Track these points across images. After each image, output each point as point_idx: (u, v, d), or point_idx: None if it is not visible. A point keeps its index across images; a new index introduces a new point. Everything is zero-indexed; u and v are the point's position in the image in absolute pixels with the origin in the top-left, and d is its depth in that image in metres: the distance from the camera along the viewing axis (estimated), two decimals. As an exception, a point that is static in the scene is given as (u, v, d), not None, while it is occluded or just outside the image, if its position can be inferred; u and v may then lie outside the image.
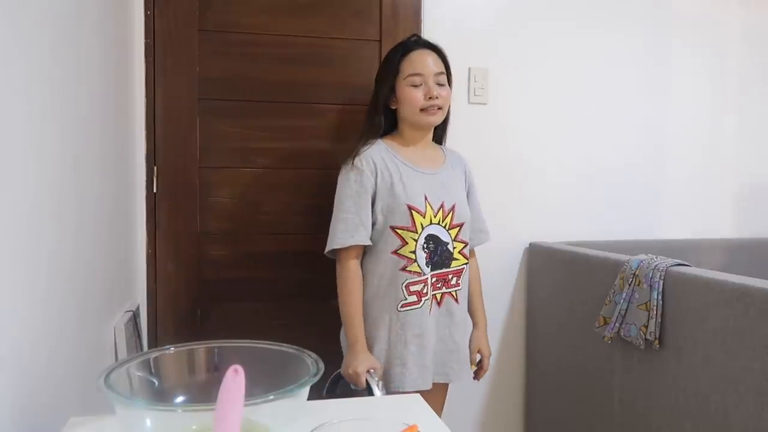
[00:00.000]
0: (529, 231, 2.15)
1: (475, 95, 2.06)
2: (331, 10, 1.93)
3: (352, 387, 1.43)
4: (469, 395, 2.14)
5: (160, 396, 0.73)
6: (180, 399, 0.73)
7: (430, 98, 1.52)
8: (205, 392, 0.67)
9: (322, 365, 0.69)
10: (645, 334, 1.46)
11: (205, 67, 1.86)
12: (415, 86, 1.53)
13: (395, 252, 1.51)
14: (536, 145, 2.15)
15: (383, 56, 1.99)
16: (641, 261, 1.53)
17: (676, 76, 2.28)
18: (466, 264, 1.60)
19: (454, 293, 1.58)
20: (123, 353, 1.39)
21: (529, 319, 2.15)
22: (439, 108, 1.55)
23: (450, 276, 1.57)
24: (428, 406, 0.88)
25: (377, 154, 1.55)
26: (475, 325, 1.71)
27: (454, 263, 1.57)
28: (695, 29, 2.28)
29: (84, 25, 1.17)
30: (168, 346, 0.75)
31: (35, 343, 0.84)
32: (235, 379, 0.53)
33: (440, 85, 1.55)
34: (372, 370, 1.44)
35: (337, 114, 1.94)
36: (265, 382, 0.63)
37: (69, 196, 1.04)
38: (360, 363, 1.43)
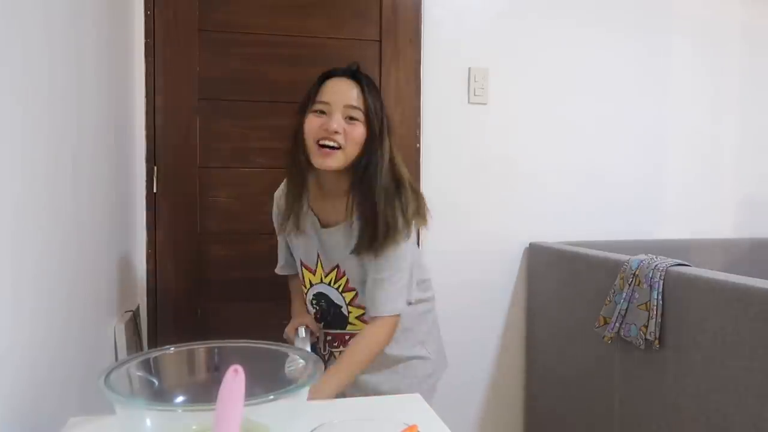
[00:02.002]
0: (529, 231, 2.15)
1: (475, 95, 2.06)
2: (331, 10, 1.93)
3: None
4: (469, 395, 2.14)
5: (160, 396, 0.73)
6: (180, 399, 0.73)
7: (326, 130, 1.23)
8: (205, 392, 0.67)
9: (322, 365, 0.69)
10: (645, 334, 1.46)
11: (205, 67, 1.86)
12: (319, 114, 1.25)
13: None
14: (536, 145, 2.15)
15: (383, 56, 2.00)
16: (641, 261, 1.53)
17: (677, 76, 2.28)
18: None
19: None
20: (123, 353, 1.40)
21: (529, 319, 2.15)
22: (339, 147, 1.23)
23: (347, 338, 1.40)
24: (428, 406, 0.88)
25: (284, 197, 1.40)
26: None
27: (349, 327, 1.39)
28: (695, 29, 2.28)
29: (84, 25, 1.17)
30: (168, 346, 0.75)
31: (35, 343, 0.84)
32: (235, 379, 0.53)
33: (351, 119, 1.24)
34: (298, 329, 1.39)
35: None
36: (265, 382, 0.64)
37: (69, 196, 1.04)
38: (289, 325, 1.45)
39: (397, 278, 1.30)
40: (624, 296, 1.53)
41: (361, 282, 1.34)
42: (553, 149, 2.16)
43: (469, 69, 2.06)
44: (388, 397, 1.14)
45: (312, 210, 1.35)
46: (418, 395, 0.93)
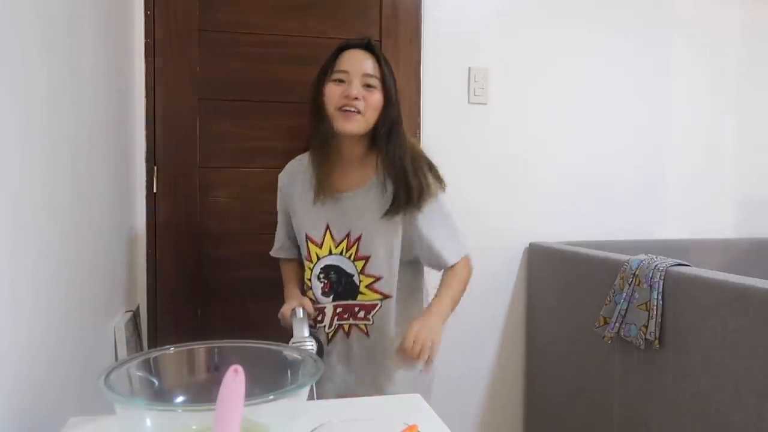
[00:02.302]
0: (529, 231, 2.15)
1: (475, 95, 2.06)
2: (331, 10, 1.93)
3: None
4: (469, 395, 2.14)
5: (160, 396, 0.73)
6: (180, 399, 0.73)
7: (346, 97, 1.32)
8: (205, 392, 0.67)
9: (322, 365, 0.69)
10: (645, 334, 1.46)
11: (205, 67, 1.86)
12: (338, 83, 1.35)
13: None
14: (536, 145, 2.15)
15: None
16: (641, 261, 1.53)
17: (676, 76, 2.28)
18: (378, 300, 1.40)
19: (363, 327, 1.43)
20: (123, 353, 1.40)
21: (529, 319, 2.15)
22: (359, 112, 1.33)
23: (357, 309, 1.43)
24: (428, 405, 0.88)
25: (294, 172, 1.49)
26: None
27: (360, 297, 1.41)
28: (695, 29, 2.28)
29: (84, 25, 1.17)
30: (168, 346, 0.75)
31: (35, 343, 0.84)
32: (235, 379, 0.53)
33: (368, 87, 1.34)
34: (295, 309, 1.38)
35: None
36: (265, 382, 0.64)
37: (69, 196, 1.04)
38: (285, 306, 1.42)
39: (450, 224, 1.44)
40: (624, 296, 1.53)
41: (381, 246, 1.38)
42: (553, 149, 2.16)
43: (469, 69, 2.06)
44: (388, 397, 1.14)
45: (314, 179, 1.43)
46: (418, 395, 0.93)
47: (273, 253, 1.57)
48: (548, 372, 2.02)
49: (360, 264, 1.40)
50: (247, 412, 0.55)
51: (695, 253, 2.13)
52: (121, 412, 0.61)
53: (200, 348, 0.76)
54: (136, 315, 1.66)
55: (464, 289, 1.43)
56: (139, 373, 0.71)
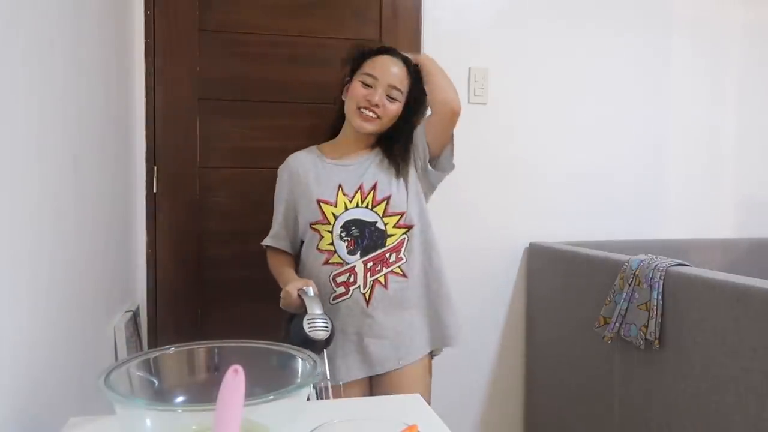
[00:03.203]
0: (529, 231, 2.15)
1: (475, 95, 2.06)
2: (330, 10, 1.93)
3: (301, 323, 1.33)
4: (469, 395, 2.14)
5: (160, 396, 0.73)
6: (180, 399, 0.73)
7: (368, 101, 1.47)
8: (205, 392, 0.67)
9: (321, 365, 0.69)
10: (645, 334, 1.46)
11: (205, 67, 1.86)
12: (365, 85, 1.49)
13: (317, 248, 1.49)
14: (536, 145, 2.15)
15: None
16: (641, 261, 1.53)
17: (676, 75, 2.28)
18: (404, 235, 1.50)
19: (399, 269, 1.49)
20: (123, 353, 1.39)
21: (529, 319, 2.15)
22: (378, 117, 1.49)
23: (388, 254, 1.48)
24: (428, 405, 0.88)
25: (302, 158, 1.58)
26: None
27: (389, 240, 1.48)
28: (695, 29, 2.28)
29: (84, 25, 1.17)
30: (168, 346, 0.75)
31: (35, 343, 0.84)
32: (235, 379, 0.53)
33: (390, 98, 1.49)
34: (304, 288, 1.39)
35: (337, 114, 1.93)
36: (265, 382, 0.64)
37: (69, 196, 1.04)
38: (290, 286, 1.40)
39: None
40: (624, 296, 1.53)
41: (396, 184, 1.50)
42: (553, 149, 2.16)
43: (469, 69, 2.06)
44: (388, 397, 1.14)
45: (327, 157, 1.56)
46: (418, 395, 0.93)
47: (265, 241, 1.59)
48: (548, 372, 2.02)
49: (381, 208, 1.48)
50: (247, 412, 0.55)
51: (695, 253, 2.13)
52: (121, 412, 0.61)
53: (200, 348, 0.76)
54: (136, 315, 1.66)
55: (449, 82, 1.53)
56: (139, 373, 0.71)
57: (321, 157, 1.57)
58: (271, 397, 0.60)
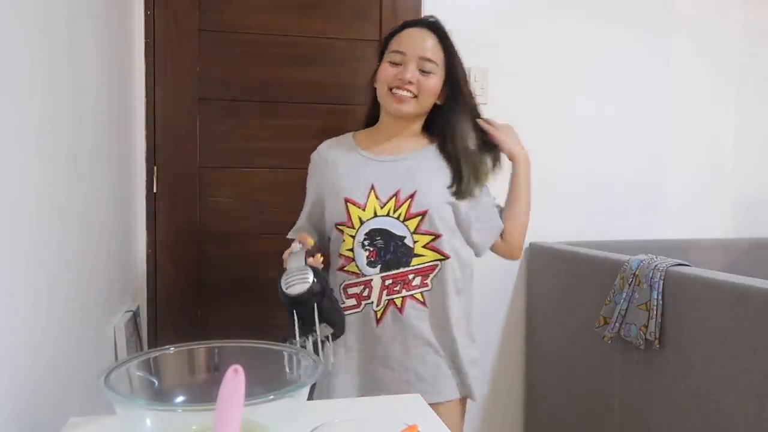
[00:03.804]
0: (529, 231, 2.14)
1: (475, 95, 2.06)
2: (330, 10, 1.93)
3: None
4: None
5: (160, 396, 0.73)
6: (180, 399, 0.73)
7: (400, 80, 1.29)
8: (205, 392, 0.67)
9: (321, 365, 0.69)
10: (645, 334, 1.46)
11: (205, 67, 1.86)
12: (394, 64, 1.31)
13: (339, 252, 1.34)
14: (536, 145, 2.14)
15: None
16: (641, 261, 1.53)
17: (676, 75, 2.28)
18: (438, 261, 1.31)
19: (421, 296, 1.31)
20: (123, 353, 1.39)
21: (529, 319, 2.15)
22: (414, 96, 1.30)
23: (411, 276, 1.30)
24: (428, 405, 0.88)
25: (334, 147, 1.42)
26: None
27: (416, 260, 1.30)
28: (696, 29, 2.28)
29: (84, 25, 1.17)
30: (168, 346, 0.75)
31: (35, 343, 0.84)
32: (235, 379, 0.53)
33: (424, 72, 1.30)
34: (295, 243, 1.21)
35: (337, 114, 1.94)
36: (265, 382, 0.64)
37: (69, 196, 1.04)
38: (285, 253, 1.23)
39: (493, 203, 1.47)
40: (624, 296, 1.53)
41: (440, 200, 1.32)
42: (553, 149, 2.16)
43: (469, 69, 2.06)
44: (388, 397, 1.14)
45: (361, 147, 1.39)
46: (418, 395, 0.93)
47: (290, 234, 1.46)
48: (548, 372, 2.02)
49: (413, 223, 1.29)
50: (247, 412, 0.55)
51: (695, 253, 2.13)
52: (121, 412, 0.61)
53: (200, 348, 0.76)
54: (136, 315, 1.66)
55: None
56: (139, 373, 0.71)
57: (355, 148, 1.39)
58: (271, 397, 0.60)
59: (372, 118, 1.43)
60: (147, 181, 1.83)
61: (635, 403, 1.56)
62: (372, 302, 1.30)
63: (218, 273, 1.89)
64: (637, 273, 1.51)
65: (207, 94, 1.86)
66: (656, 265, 1.47)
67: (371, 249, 1.30)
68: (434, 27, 1.35)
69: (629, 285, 1.52)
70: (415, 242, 1.30)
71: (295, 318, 1.12)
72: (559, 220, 2.18)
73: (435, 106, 1.37)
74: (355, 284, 1.31)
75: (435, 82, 1.32)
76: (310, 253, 1.18)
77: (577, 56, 2.17)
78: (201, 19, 1.84)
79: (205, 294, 1.89)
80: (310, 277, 1.10)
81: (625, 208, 2.24)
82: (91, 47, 1.23)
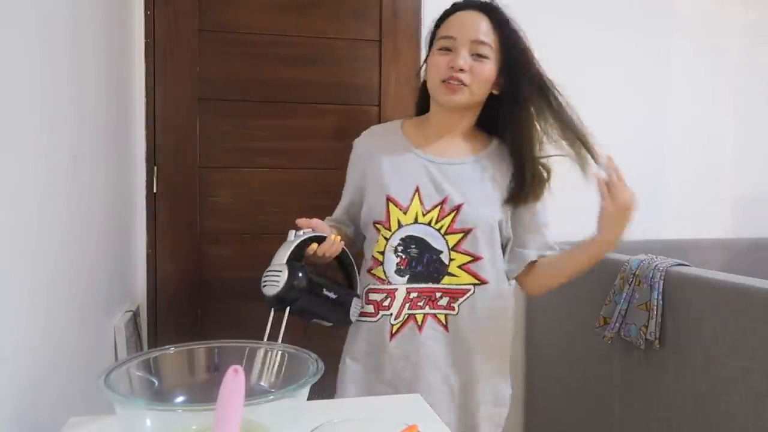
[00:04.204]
0: (529, 231, 2.14)
1: (475, 95, 2.06)
2: (331, 10, 1.93)
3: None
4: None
5: (160, 396, 0.73)
6: (180, 399, 0.73)
7: (452, 68, 1.16)
8: (205, 392, 0.67)
9: (322, 365, 0.69)
10: (645, 334, 1.46)
11: (205, 67, 1.86)
12: (445, 51, 1.18)
13: (371, 253, 1.25)
14: (536, 145, 2.15)
15: (383, 56, 1.99)
16: (641, 261, 1.53)
17: (676, 75, 2.28)
18: (472, 285, 1.20)
19: (442, 317, 1.19)
20: (123, 353, 1.39)
21: (529, 319, 2.15)
22: (465, 84, 1.17)
23: (438, 295, 1.19)
24: (428, 405, 0.88)
25: (380, 135, 1.31)
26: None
27: (447, 279, 1.19)
28: (695, 29, 2.28)
29: (84, 25, 1.17)
30: (168, 346, 0.75)
31: (35, 343, 0.84)
32: (235, 379, 0.53)
33: (478, 56, 1.17)
34: (291, 232, 1.11)
35: (337, 114, 1.94)
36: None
37: (69, 195, 1.04)
38: None
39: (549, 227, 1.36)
40: (624, 296, 1.53)
41: (488, 219, 1.20)
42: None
43: (470, 69, 2.06)
44: (388, 397, 1.14)
45: (410, 141, 1.27)
46: (418, 395, 0.93)
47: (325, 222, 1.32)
48: (548, 372, 2.02)
49: (454, 239, 1.18)
50: (247, 412, 0.55)
51: (695, 253, 2.13)
52: (121, 412, 0.61)
53: (200, 348, 0.77)
54: (136, 315, 1.66)
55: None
56: (139, 373, 0.71)
57: (403, 141, 1.26)
58: (271, 397, 0.60)
59: (421, 109, 1.33)
60: (147, 181, 1.83)
61: (635, 403, 1.56)
62: (391, 314, 1.20)
63: (218, 273, 1.89)
64: (637, 273, 1.51)
65: (207, 94, 1.86)
66: (656, 265, 1.47)
67: (403, 256, 1.19)
68: (487, 8, 1.21)
69: (629, 285, 1.52)
70: (451, 260, 1.19)
71: (270, 318, 1.03)
72: (559, 220, 2.17)
73: (493, 97, 1.24)
74: (378, 290, 1.21)
75: (490, 68, 1.18)
76: (315, 240, 1.09)
77: (576, 56, 2.17)
78: (201, 19, 1.84)
79: (205, 294, 1.89)
80: (282, 280, 1.01)
81: (625, 208, 2.24)
82: (91, 47, 1.23)
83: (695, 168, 2.32)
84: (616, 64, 2.21)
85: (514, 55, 1.21)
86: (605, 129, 2.21)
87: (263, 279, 1.04)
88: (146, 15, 1.79)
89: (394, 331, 1.20)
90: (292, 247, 1.06)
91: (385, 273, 1.20)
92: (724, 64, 2.33)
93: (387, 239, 1.20)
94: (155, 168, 1.83)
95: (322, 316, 1.11)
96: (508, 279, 1.28)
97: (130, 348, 1.48)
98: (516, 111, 1.22)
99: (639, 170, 2.26)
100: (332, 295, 1.10)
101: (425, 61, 1.26)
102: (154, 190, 1.84)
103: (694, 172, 2.32)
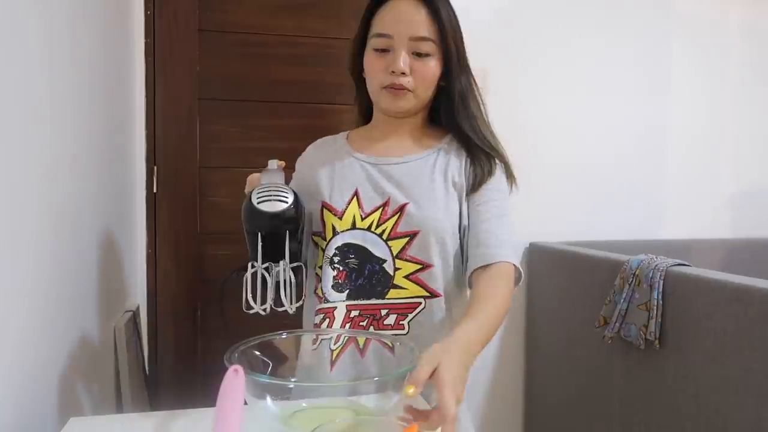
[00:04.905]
0: (529, 231, 2.15)
1: (475, 95, 2.06)
2: (330, 10, 1.93)
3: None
4: (469, 395, 2.13)
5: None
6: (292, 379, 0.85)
7: (392, 72, 1.00)
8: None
9: (418, 353, 0.75)
10: (645, 334, 1.46)
11: (205, 67, 1.86)
12: (380, 52, 1.02)
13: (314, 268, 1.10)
14: (536, 145, 2.15)
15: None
16: (641, 261, 1.53)
17: (676, 75, 2.28)
18: (420, 298, 1.01)
19: (388, 341, 0.94)
20: (123, 353, 1.39)
21: (529, 319, 2.15)
22: (409, 90, 1.02)
23: (384, 312, 1.00)
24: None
25: (320, 146, 1.19)
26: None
27: (393, 293, 1.00)
28: (695, 29, 2.28)
29: (84, 25, 1.17)
30: (281, 332, 0.85)
31: (36, 343, 0.84)
32: (235, 378, 0.53)
33: (419, 55, 1.01)
34: (272, 160, 1.05)
35: (337, 114, 1.94)
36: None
37: (69, 196, 1.04)
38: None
39: (508, 220, 1.06)
40: (624, 296, 1.53)
41: (437, 220, 1.01)
42: (552, 149, 2.16)
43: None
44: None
45: (352, 147, 1.12)
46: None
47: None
48: (548, 372, 2.02)
49: (398, 244, 1.01)
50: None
51: (695, 253, 2.13)
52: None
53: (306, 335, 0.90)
54: (136, 315, 1.66)
55: (503, 315, 0.92)
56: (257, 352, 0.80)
57: (344, 147, 1.13)
58: (376, 378, 0.73)
59: (367, 111, 1.17)
60: (147, 181, 1.83)
61: (635, 403, 1.56)
62: (330, 338, 1.01)
63: (218, 273, 1.89)
64: (637, 273, 1.51)
65: (207, 94, 1.86)
66: (656, 265, 1.47)
67: (340, 268, 1.03)
68: None
69: (629, 285, 1.52)
70: (396, 269, 1.01)
71: (259, 241, 0.95)
72: (559, 220, 2.18)
73: (442, 88, 1.08)
74: (317, 311, 1.04)
75: (433, 66, 1.03)
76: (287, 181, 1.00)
77: (576, 56, 2.17)
78: (201, 19, 1.84)
79: (205, 294, 1.89)
80: (290, 198, 0.93)
81: (625, 208, 2.24)
82: (91, 47, 1.23)
83: (695, 168, 2.33)
84: (615, 64, 2.21)
85: (456, 46, 1.05)
86: (605, 129, 2.22)
87: (260, 194, 0.95)
88: (146, 15, 1.80)
89: (333, 358, 1.01)
90: (284, 175, 0.99)
91: (322, 290, 1.04)
92: (723, 64, 2.33)
93: (323, 251, 1.05)
94: (155, 168, 1.83)
95: (292, 259, 0.98)
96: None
97: (130, 348, 1.48)
98: (461, 107, 1.08)
99: (639, 170, 2.27)
100: (304, 243, 1.04)
101: (357, 66, 1.09)
102: (154, 190, 1.84)
103: (694, 172, 2.32)
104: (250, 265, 0.93)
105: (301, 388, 0.75)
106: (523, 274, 1.00)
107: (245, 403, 0.58)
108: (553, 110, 2.16)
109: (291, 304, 0.94)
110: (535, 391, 2.12)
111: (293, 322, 1.06)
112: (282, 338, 0.82)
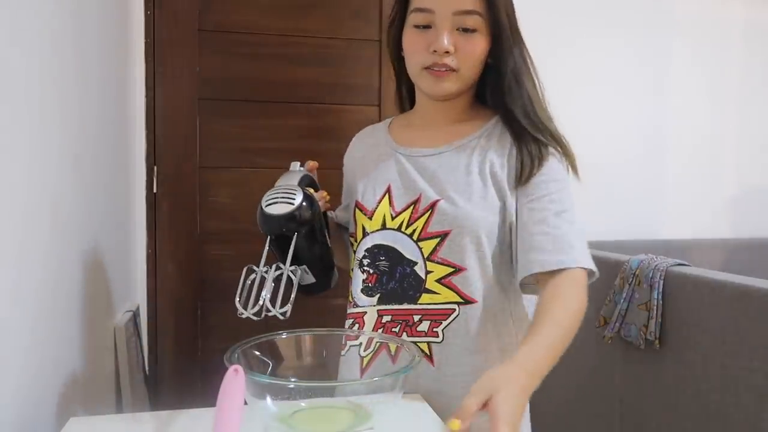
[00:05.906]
0: (529, 231, 2.14)
1: (475, 95, 2.06)
2: (330, 10, 1.93)
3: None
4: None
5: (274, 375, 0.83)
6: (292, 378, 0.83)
7: (434, 51, 0.91)
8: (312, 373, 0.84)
9: (420, 357, 0.75)
10: (645, 334, 1.46)
11: (205, 67, 1.86)
12: (421, 29, 0.92)
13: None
14: (536, 145, 2.15)
15: (383, 56, 1.99)
16: (641, 261, 1.53)
17: (677, 75, 2.28)
18: (454, 304, 0.92)
19: (426, 348, 0.91)
20: (123, 353, 1.39)
21: (529, 320, 2.15)
22: (453, 69, 0.92)
23: (417, 318, 0.93)
24: (428, 405, 0.88)
25: (365, 137, 1.12)
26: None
27: (426, 297, 0.93)
28: (696, 29, 2.28)
29: (84, 25, 1.17)
30: (280, 332, 0.85)
31: (35, 343, 0.84)
32: (235, 378, 0.53)
33: (465, 31, 0.91)
34: (295, 162, 1.00)
35: (337, 114, 1.94)
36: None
37: (69, 195, 1.04)
38: None
39: (570, 215, 0.94)
40: (624, 296, 1.53)
41: (472, 219, 0.91)
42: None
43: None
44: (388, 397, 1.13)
45: (391, 137, 1.04)
46: (418, 395, 0.93)
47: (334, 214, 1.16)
48: (548, 372, 2.02)
49: (428, 245, 0.92)
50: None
51: (695, 253, 2.13)
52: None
53: (305, 335, 0.87)
54: (136, 315, 1.66)
55: (575, 328, 0.87)
56: (257, 353, 0.81)
57: (385, 138, 1.04)
58: (376, 379, 0.72)
59: (409, 94, 1.07)
60: (147, 181, 1.83)
61: (635, 403, 1.56)
62: (360, 344, 0.95)
63: (218, 273, 1.89)
64: (637, 273, 1.51)
65: (207, 94, 1.86)
66: (656, 265, 1.47)
67: (371, 271, 0.96)
68: None
69: (629, 285, 1.52)
70: (428, 273, 0.92)
71: (266, 245, 0.93)
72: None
73: (488, 66, 0.98)
74: (348, 315, 1.00)
75: (480, 43, 0.93)
76: (310, 182, 0.96)
77: (576, 55, 2.17)
78: (201, 19, 1.84)
79: (205, 294, 1.89)
80: (298, 199, 0.88)
81: (625, 208, 2.24)
82: (91, 47, 1.23)
83: (695, 168, 2.33)
84: (616, 64, 2.21)
85: (509, 17, 0.97)
86: (605, 129, 2.22)
87: (268, 198, 0.90)
88: (146, 15, 1.79)
89: (364, 365, 0.94)
90: (301, 176, 0.95)
91: (351, 294, 0.99)
92: (724, 64, 2.33)
93: (355, 253, 0.99)
94: (155, 168, 1.83)
95: (309, 262, 0.94)
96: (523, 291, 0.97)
97: (130, 348, 1.48)
98: (513, 87, 1.00)
99: (640, 170, 2.27)
100: (328, 243, 0.97)
101: (396, 46, 0.99)
102: (154, 190, 1.84)
103: (694, 172, 2.32)
104: (246, 269, 0.93)
105: (301, 388, 0.75)
106: (597, 272, 0.91)
107: (245, 403, 0.59)
108: (553, 110, 2.16)
109: (277, 308, 0.87)
110: (536, 391, 2.11)
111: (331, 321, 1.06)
112: (282, 338, 0.83)
